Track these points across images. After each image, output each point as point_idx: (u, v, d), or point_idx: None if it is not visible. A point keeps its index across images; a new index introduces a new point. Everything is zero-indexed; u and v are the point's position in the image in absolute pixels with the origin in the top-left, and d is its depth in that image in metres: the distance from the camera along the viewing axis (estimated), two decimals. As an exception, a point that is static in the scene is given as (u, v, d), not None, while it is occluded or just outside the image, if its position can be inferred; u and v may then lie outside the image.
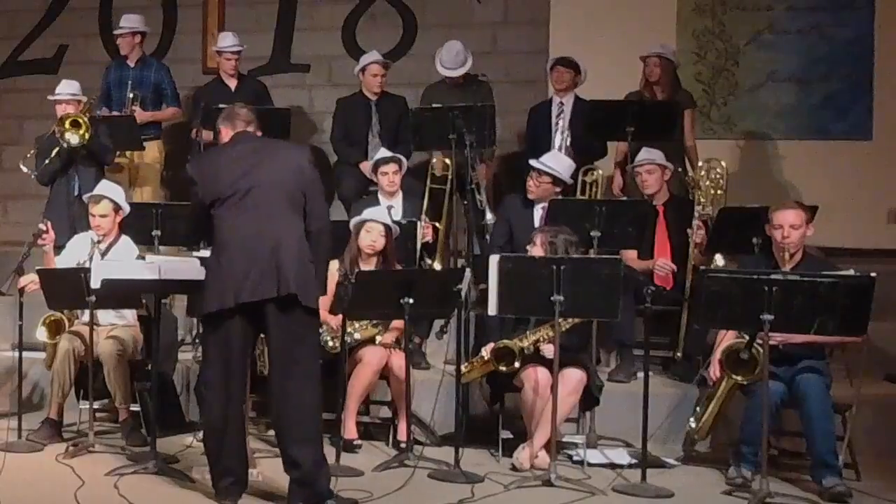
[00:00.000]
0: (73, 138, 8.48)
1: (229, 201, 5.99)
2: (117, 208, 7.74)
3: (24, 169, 8.86)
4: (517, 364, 6.88)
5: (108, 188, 7.86)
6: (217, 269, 5.98)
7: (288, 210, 6.00)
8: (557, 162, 8.18)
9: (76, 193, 8.56)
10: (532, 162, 8.20)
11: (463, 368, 7.00)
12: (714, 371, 6.84)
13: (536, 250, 7.01)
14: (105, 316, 7.59)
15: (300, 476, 5.93)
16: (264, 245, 5.90)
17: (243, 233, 5.94)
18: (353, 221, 7.60)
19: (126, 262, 7.44)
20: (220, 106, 9.00)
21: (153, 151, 9.90)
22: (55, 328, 7.54)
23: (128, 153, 9.66)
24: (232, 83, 10.01)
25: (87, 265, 7.20)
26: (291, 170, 6.08)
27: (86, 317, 7.29)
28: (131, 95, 9.72)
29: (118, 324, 7.64)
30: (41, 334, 7.56)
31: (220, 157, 6.26)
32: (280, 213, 5.99)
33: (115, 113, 9.64)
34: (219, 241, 6.02)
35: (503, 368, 6.91)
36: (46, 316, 7.55)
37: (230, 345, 5.98)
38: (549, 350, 6.90)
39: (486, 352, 7.03)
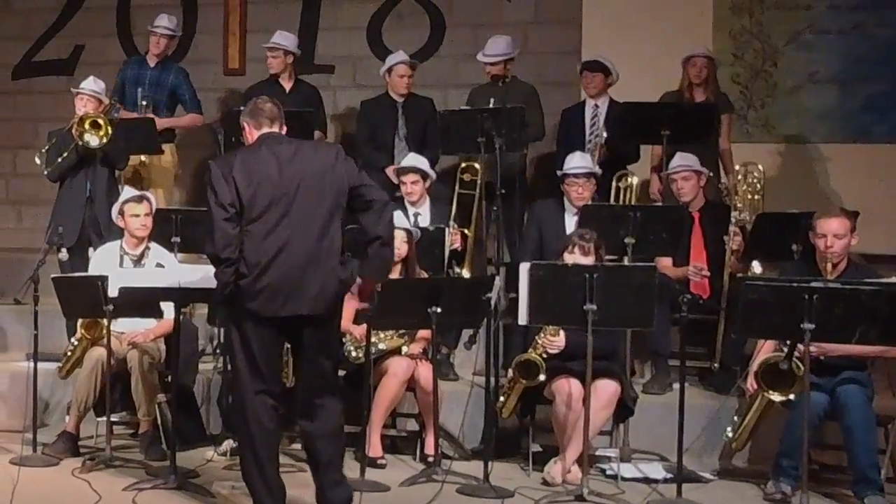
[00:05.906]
0: (92, 139, 8.38)
1: (266, 214, 5.74)
2: (153, 209, 7.75)
3: (38, 161, 8.75)
4: (542, 376, 6.80)
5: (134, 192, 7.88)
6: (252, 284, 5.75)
7: (326, 220, 5.79)
8: (585, 160, 8.15)
9: (88, 195, 8.54)
10: (570, 170, 8.06)
11: (499, 404, 7.00)
12: (751, 383, 6.76)
13: (576, 257, 6.88)
14: (130, 323, 7.46)
15: None
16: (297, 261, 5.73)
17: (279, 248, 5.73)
18: None
19: (147, 270, 7.45)
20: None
21: (167, 155, 9.76)
22: (92, 328, 7.37)
23: (143, 157, 9.53)
24: (287, 84, 9.79)
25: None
26: (327, 171, 5.81)
27: (114, 325, 7.14)
28: (144, 102, 9.55)
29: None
30: (79, 328, 7.42)
31: (250, 163, 5.85)
32: (318, 224, 5.78)
33: (134, 114, 9.50)
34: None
35: (532, 382, 6.82)
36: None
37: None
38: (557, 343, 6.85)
39: (511, 373, 6.97)
